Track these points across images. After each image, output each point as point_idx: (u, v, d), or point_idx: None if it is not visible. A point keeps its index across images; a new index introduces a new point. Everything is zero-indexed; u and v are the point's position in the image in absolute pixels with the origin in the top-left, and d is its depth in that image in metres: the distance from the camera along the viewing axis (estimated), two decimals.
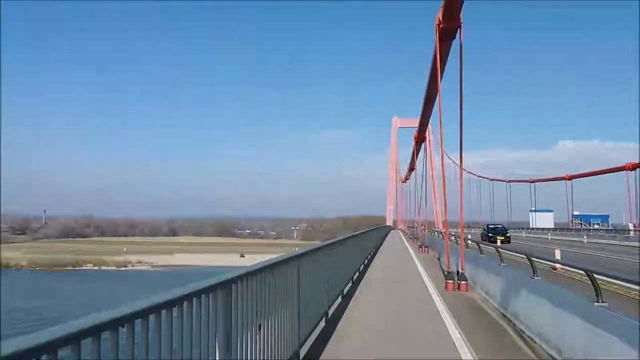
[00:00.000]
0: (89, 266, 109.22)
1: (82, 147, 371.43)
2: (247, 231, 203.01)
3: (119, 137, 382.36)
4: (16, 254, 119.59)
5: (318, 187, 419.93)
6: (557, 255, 16.06)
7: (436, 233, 38.54)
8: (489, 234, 38.53)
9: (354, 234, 17.45)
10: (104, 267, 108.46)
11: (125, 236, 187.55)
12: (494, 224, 46.25)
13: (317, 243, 11.52)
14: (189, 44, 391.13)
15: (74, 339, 2.13)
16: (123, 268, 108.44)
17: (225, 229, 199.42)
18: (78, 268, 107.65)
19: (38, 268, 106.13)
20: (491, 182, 65.10)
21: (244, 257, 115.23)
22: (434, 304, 12.08)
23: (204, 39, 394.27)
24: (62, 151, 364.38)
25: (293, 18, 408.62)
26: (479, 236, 40.83)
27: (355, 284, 15.08)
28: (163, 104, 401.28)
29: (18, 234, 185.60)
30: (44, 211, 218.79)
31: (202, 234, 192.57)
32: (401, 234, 73.20)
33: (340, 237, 13.32)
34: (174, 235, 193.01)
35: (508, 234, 40.09)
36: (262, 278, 4.99)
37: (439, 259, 24.76)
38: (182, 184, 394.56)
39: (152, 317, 2.84)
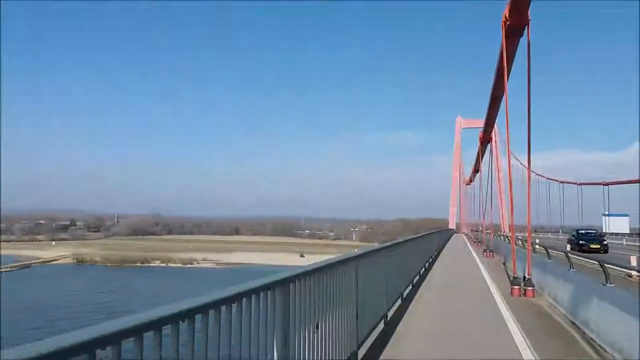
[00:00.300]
0: (157, 263, 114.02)
1: (149, 149, 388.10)
2: (307, 231, 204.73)
3: (183, 141, 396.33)
4: (90, 250, 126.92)
5: (378, 188, 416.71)
6: (633, 262, 15.11)
7: (502, 237, 36.96)
8: (580, 242, 31.58)
9: (414, 236, 17.17)
10: (170, 264, 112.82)
11: (191, 234, 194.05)
12: (585, 229, 37.25)
13: (376, 245, 11.41)
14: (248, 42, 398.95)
15: (136, 332, 2.21)
16: (188, 265, 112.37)
17: (285, 229, 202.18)
18: (147, 264, 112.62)
19: (110, 264, 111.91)
20: (561, 184, 62.11)
21: (303, 256, 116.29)
22: (498, 309, 11.66)
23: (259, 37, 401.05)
24: (133, 153, 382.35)
25: (336, 20, 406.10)
26: (554, 241, 38.22)
27: (416, 287, 14.82)
28: (223, 108, 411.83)
29: (92, 232, 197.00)
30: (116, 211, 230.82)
31: (263, 233, 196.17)
32: (464, 237, 71.34)
33: (400, 240, 13.15)
34: (236, 234, 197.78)
35: (605, 242, 32.30)
36: (320, 278, 5.00)
37: (504, 263, 23.98)
38: (244, 184, 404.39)
39: (212, 313, 2.89)
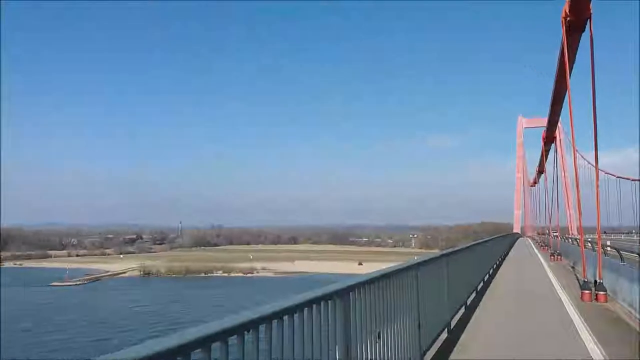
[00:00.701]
0: (219, 273, 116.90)
1: (211, 165, 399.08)
2: (364, 239, 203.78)
3: (239, 153, 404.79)
4: (156, 262, 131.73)
5: (436, 194, 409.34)
6: None
7: (570, 240, 35.37)
8: None
9: (477, 242, 16.68)
10: (232, 274, 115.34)
11: (250, 244, 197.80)
12: None
13: (436, 252, 11.16)
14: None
15: (204, 343, 2.25)
16: (249, 274, 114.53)
17: (342, 237, 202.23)
18: (209, 275, 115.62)
19: (174, 275, 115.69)
20: (634, 182, 58.85)
21: (361, 265, 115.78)
22: (568, 316, 11.12)
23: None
24: (194, 170, 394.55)
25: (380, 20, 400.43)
26: (627, 243, 36.19)
27: (480, 294, 14.37)
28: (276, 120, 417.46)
29: (157, 244, 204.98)
30: (180, 222, 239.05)
31: (320, 242, 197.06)
32: (530, 241, 68.67)
33: (462, 246, 12.81)
34: (294, 243, 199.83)
35: None
36: (380, 286, 4.94)
37: (573, 267, 22.95)
38: (301, 193, 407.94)
39: (275, 323, 2.93)
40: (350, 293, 4.14)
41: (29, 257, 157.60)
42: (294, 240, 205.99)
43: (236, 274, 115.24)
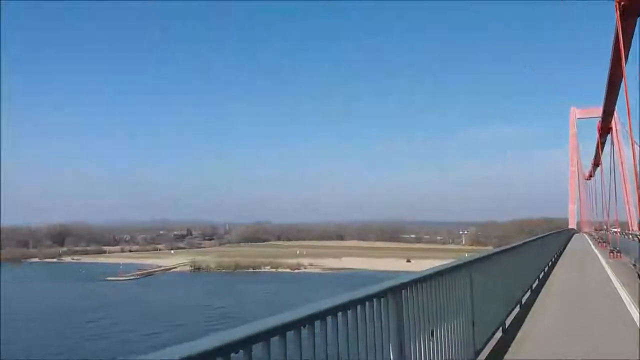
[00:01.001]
0: (267, 268, 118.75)
1: (257, 160, 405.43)
2: (412, 236, 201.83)
3: (289, 150, 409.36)
4: (206, 257, 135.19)
5: (487, 188, 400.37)
6: None
7: (630, 236, 33.73)
8: None
9: (531, 238, 16.23)
10: (279, 270, 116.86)
11: (297, 240, 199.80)
12: None
13: (489, 249, 10.88)
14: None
15: (264, 336, 2.32)
16: (296, 270, 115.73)
17: (390, 233, 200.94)
18: (257, 270, 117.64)
19: (223, 270, 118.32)
20: None
21: (410, 262, 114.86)
22: (629, 315, 10.64)
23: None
24: (243, 165, 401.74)
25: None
26: None
27: (535, 292, 13.94)
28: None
29: (207, 240, 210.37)
30: (226, 222, 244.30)
31: (368, 238, 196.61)
32: (587, 237, 66.16)
33: (516, 243, 12.49)
34: (341, 240, 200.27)
35: None
36: (432, 284, 4.92)
37: (634, 265, 21.91)
38: (347, 189, 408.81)
39: (329, 319, 2.97)
40: (403, 290, 4.15)
41: (85, 253, 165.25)
42: (340, 237, 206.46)
43: (284, 270, 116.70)
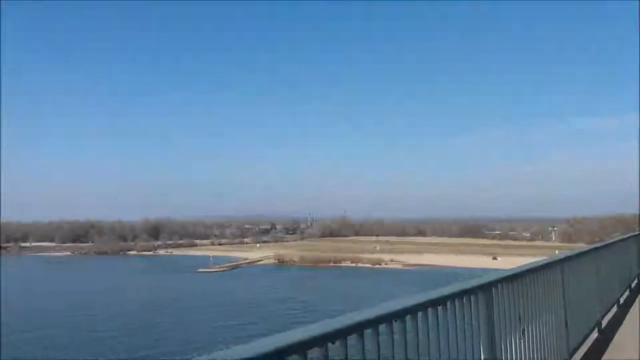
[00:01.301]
0: (347, 263, 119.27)
1: (338, 155, 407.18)
2: (497, 232, 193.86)
3: (362, 147, 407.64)
4: (289, 251, 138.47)
5: (579, 182, 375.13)
6: None
7: None
8: None
9: (629, 235, 15.17)
10: (360, 264, 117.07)
11: (377, 235, 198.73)
12: None
13: (581, 246, 10.40)
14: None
15: (358, 328, 2.46)
16: (377, 266, 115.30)
17: (473, 229, 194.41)
18: (338, 265, 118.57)
19: (306, 264, 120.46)
20: None
21: (496, 259, 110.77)
22: None
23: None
24: (323, 164, 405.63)
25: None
26: None
27: (635, 292, 13.08)
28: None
29: (290, 234, 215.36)
30: (309, 214, 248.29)
31: (449, 234, 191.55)
32: None
33: (613, 239, 11.78)
34: (422, 236, 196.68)
35: None
36: (523, 282, 4.87)
37: None
38: (428, 185, 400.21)
39: (420, 315, 3.05)
40: (493, 288, 4.13)
41: (178, 246, 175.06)
42: (421, 233, 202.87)
43: (364, 265, 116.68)
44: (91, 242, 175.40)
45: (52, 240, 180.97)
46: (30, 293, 75.77)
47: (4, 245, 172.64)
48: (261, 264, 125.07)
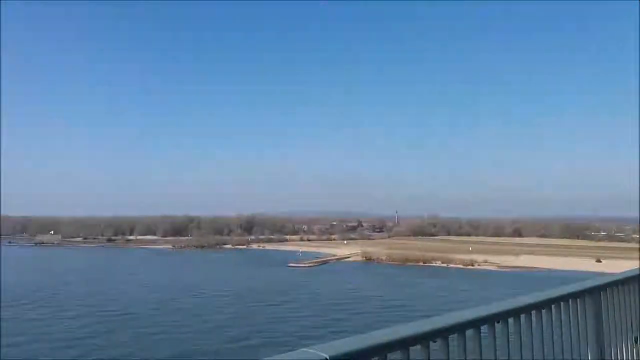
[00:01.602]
0: (437, 263, 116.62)
1: (427, 153, 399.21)
2: (602, 233, 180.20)
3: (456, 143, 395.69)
4: (376, 249, 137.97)
5: None
6: None
7: None
8: None
9: None
10: (451, 265, 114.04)
11: (469, 236, 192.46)
12: None
13: None
14: None
15: (461, 328, 2.52)
16: (469, 267, 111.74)
17: (575, 230, 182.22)
18: (427, 264, 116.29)
19: (393, 262, 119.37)
20: None
21: (600, 262, 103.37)
22: None
23: None
24: (411, 161, 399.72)
25: None
26: None
27: None
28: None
29: (376, 232, 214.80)
30: (396, 212, 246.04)
31: (549, 235, 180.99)
32: None
33: None
34: (518, 236, 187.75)
35: None
36: (635, 287, 4.61)
37: None
38: (523, 182, 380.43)
39: (522, 317, 3.06)
40: (602, 292, 4.01)
41: (269, 241, 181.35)
42: (518, 233, 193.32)
43: (455, 265, 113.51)
44: (190, 235, 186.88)
45: (154, 234, 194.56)
46: (142, 283, 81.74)
47: (113, 237, 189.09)
48: (349, 261, 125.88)
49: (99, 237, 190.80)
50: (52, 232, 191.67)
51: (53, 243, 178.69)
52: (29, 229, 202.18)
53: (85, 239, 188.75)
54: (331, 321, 52.89)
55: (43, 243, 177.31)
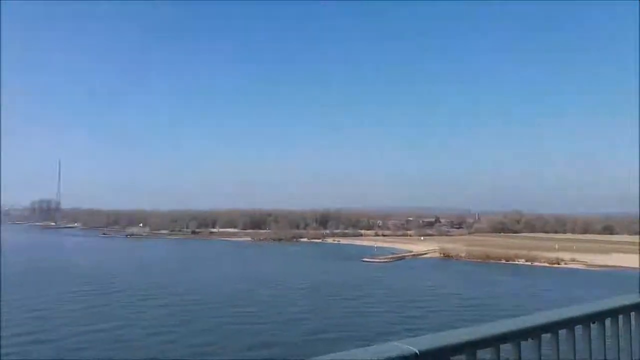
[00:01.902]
0: (521, 261, 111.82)
1: (507, 150, 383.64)
2: None
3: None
4: (455, 245, 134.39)
5: None
6: None
7: None
8: None
9: None
10: (535, 263, 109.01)
11: (555, 233, 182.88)
12: None
13: None
14: None
15: (534, 332, 2.37)
16: (555, 265, 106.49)
17: None
18: (510, 262, 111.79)
19: (474, 260, 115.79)
20: None
21: None
22: None
23: None
24: (488, 157, 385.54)
25: None
26: None
27: None
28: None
29: (455, 228, 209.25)
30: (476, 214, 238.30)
31: None
32: None
33: None
34: (610, 234, 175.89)
35: None
36: None
37: None
38: (616, 174, 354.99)
39: (608, 321, 2.84)
40: None
41: (344, 235, 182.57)
42: (609, 230, 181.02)
43: (540, 264, 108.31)
44: (268, 229, 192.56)
45: (234, 227, 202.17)
46: (224, 275, 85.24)
47: (197, 230, 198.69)
48: (426, 257, 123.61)
49: (184, 229, 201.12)
50: (141, 224, 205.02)
51: (142, 235, 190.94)
52: (120, 221, 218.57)
53: (171, 231, 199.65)
54: (407, 318, 52.31)
55: (133, 234, 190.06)
